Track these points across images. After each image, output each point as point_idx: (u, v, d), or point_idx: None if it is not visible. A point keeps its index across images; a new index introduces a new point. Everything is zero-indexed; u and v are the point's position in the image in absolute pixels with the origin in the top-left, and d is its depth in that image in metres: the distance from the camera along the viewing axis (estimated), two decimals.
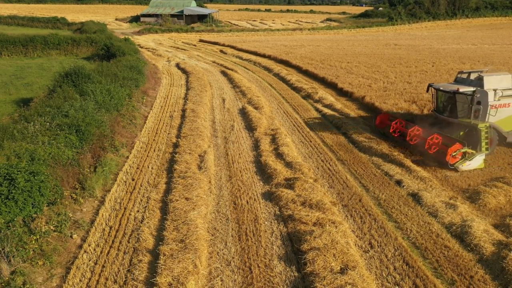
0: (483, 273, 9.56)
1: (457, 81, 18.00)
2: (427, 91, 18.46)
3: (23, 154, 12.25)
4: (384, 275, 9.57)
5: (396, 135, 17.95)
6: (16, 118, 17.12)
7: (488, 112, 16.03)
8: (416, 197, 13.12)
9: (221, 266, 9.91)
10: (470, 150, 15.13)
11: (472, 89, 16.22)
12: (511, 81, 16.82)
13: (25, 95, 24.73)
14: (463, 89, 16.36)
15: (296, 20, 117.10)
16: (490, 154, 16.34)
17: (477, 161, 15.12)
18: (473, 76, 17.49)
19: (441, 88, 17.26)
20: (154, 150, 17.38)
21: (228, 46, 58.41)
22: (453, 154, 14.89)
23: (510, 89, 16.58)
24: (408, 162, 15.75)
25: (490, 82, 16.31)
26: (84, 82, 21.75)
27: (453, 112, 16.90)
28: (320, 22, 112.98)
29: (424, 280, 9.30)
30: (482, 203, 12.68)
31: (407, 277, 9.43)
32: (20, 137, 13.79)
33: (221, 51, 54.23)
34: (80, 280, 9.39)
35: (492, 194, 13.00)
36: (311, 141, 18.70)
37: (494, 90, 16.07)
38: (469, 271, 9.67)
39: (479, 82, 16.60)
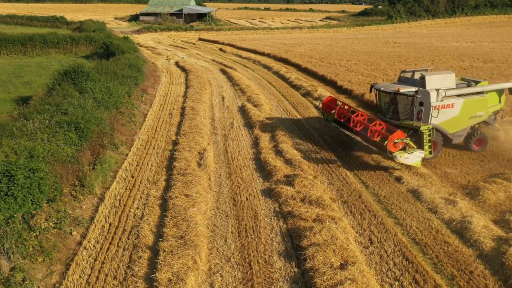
0: (482, 268, 9.58)
1: (401, 80, 17.04)
2: (370, 91, 17.74)
3: (21, 151, 12.22)
4: (384, 270, 9.58)
5: (342, 120, 16.97)
6: (15, 116, 17.08)
7: (430, 113, 15.21)
8: (415, 194, 13.13)
9: (221, 262, 9.91)
10: (412, 144, 14.54)
11: (414, 89, 15.34)
12: (455, 80, 16.01)
13: (24, 94, 24.71)
14: (404, 89, 15.47)
15: (296, 19, 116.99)
16: (434, 158, 15.67)
17: (415, 158, 14.28)
18: (417, 76, 16.44)
19: (381, 89, 16.42)
20: (154, 148, 17.36)
21: (227, 44, 58.30)
22: (396, 141, 14.21)
23: (454, 88, 15.76)
24: None
25: (432, 82, 15.41)
26: (84, 80, 21.71)
27: (395, 113, 16.07)
28: (320, 20, 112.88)
29: (424, 276, 9.31)
30: (482, 199, 12.72)
31: (407, 273, 9.44)
32: (19, 135, 13.75)
33: (221, 49, 54.15)
34: (80, 277, 9.39)
35: (492, 190, 13.03)
36: (310, 139, 18.69)
37: (436, 90, 15.25)
38: (469, 266, 9.68)
39: (421, 81, 15.68)
